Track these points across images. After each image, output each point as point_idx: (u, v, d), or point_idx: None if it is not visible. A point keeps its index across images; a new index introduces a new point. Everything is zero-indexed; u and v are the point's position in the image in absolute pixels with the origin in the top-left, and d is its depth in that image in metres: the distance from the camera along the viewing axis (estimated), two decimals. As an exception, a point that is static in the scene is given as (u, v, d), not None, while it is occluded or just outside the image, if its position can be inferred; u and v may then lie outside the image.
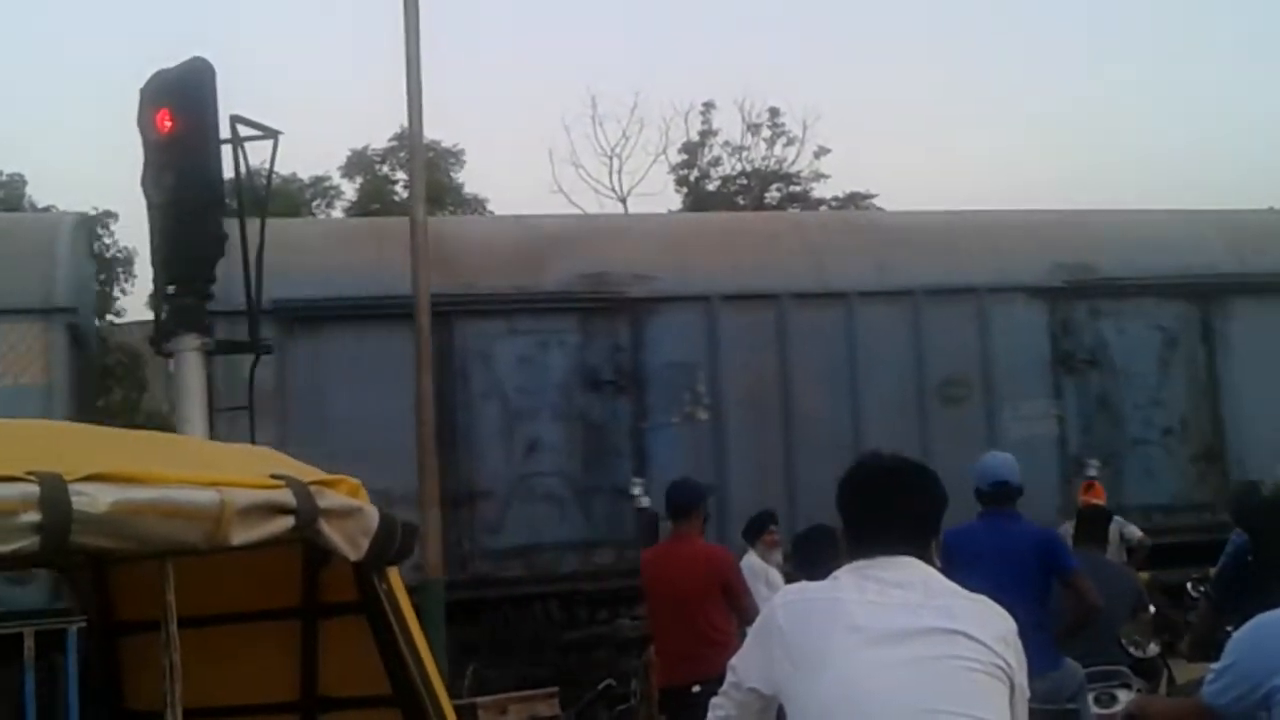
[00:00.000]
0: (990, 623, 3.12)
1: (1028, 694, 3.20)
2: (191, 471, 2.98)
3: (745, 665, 3.25)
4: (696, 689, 6.84)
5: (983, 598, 3.21)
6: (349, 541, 3.22)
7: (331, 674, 3.92)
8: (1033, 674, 3.26)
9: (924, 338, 13.09)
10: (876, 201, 35.50)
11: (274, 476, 3.14)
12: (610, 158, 36.68)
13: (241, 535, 2.93)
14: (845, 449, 12.04)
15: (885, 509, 3.27)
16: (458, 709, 3.54)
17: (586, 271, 12.63)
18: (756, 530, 9.70)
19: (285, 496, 3.06)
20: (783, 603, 3.27)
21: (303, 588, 3.86)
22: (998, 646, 3.07)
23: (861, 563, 3.22)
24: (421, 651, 3.38)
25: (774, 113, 37.08)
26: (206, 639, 3.64)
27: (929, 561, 3.26)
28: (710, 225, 15.89)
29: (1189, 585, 10.98)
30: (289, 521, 3.05)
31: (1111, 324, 13.75)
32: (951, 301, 13.28)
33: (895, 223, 16.26)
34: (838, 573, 3.26)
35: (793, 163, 37.55)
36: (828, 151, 37.08)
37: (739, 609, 7.42)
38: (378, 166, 36.00)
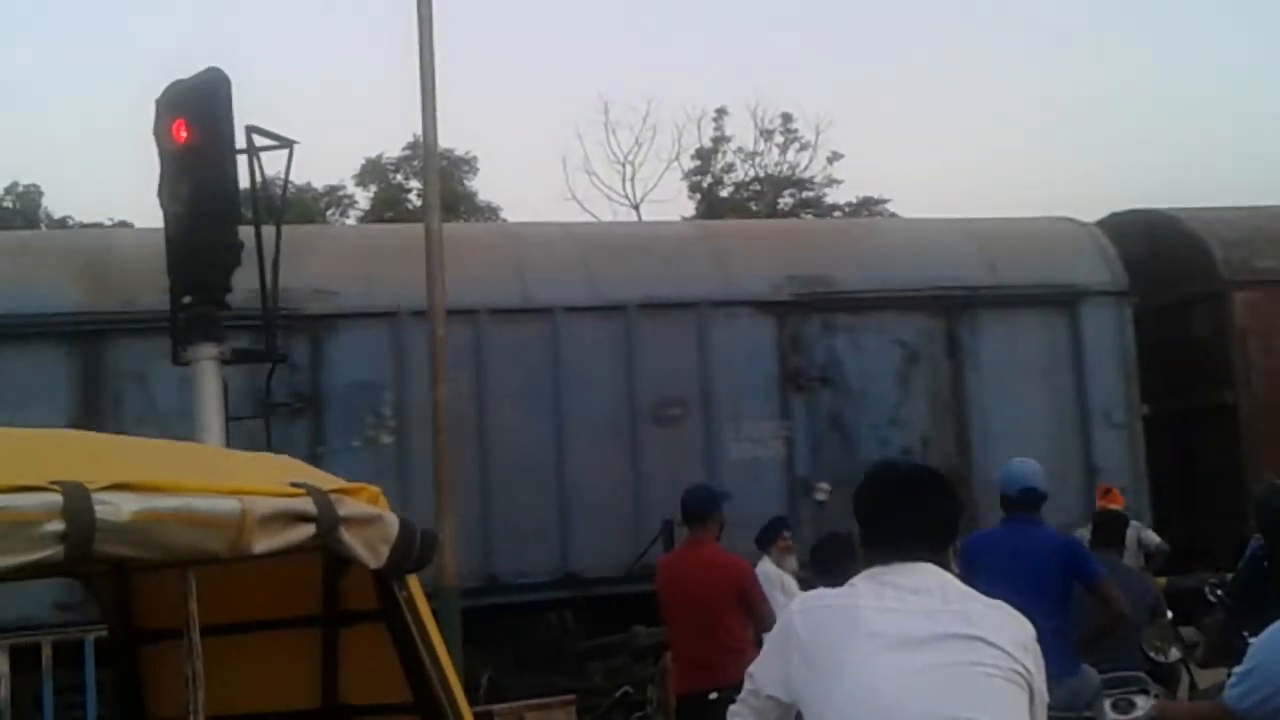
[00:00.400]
0: (1009, 628, 3.12)
1: (1047, 699, 3.20)
2: (212, 480, 2.99)
3: (763, 672, 3.26)
4: (713, 696, 6.85)
5: (1001, 603, 3.21)
6: (369, 549, 3.24)
7: (352, 681, 3.93)
8: (1051, 680, 3.26)
9: (637, 355, 12.25)
10: (890, 206, 35.54)
11: (294, 484, 3.16)
12: (623, 165, 36.78)
13: (263, 543, 2.94)
14: (546, 473, 11.81)
15: (901, 516, 3.28)
16: (475, 716, 3.55)
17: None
18: (770, 537, 9.68)
19: (306, 504, 3.08)
20: (800, 609, 3.27)
21: (323, 595, 3.88)
22: (1017, 652, 3.07)
23: (878, 569, 3.22)
24: (442, 659, 3.40)
25: (786, 118, 37.15)
26: (227, 647, 3.66)
27: (946, 567, 3.27)
28: (402, 237, 14.32)
29: (1206, 589, 10.93)
30: (310, 529, 3.06)
31: (847, 339, 12.97)
32: (669, 317, 12.49)
33: (610, 234, 15.57)
34: (855, 579, 3.26)
35: (806, 168, 37.62)
36: (841, 157, 37.14)
37: (756, 617, 7.41)
38: (392, 175, 36.16)
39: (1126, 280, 13.68)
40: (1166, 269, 14.47)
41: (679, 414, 12.31)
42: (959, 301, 13.26)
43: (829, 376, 12.82)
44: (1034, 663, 3.11)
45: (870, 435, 12.83)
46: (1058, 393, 13.34)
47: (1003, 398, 13.09)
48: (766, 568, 9.01)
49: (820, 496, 12.39)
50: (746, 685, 3.30)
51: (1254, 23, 54.42)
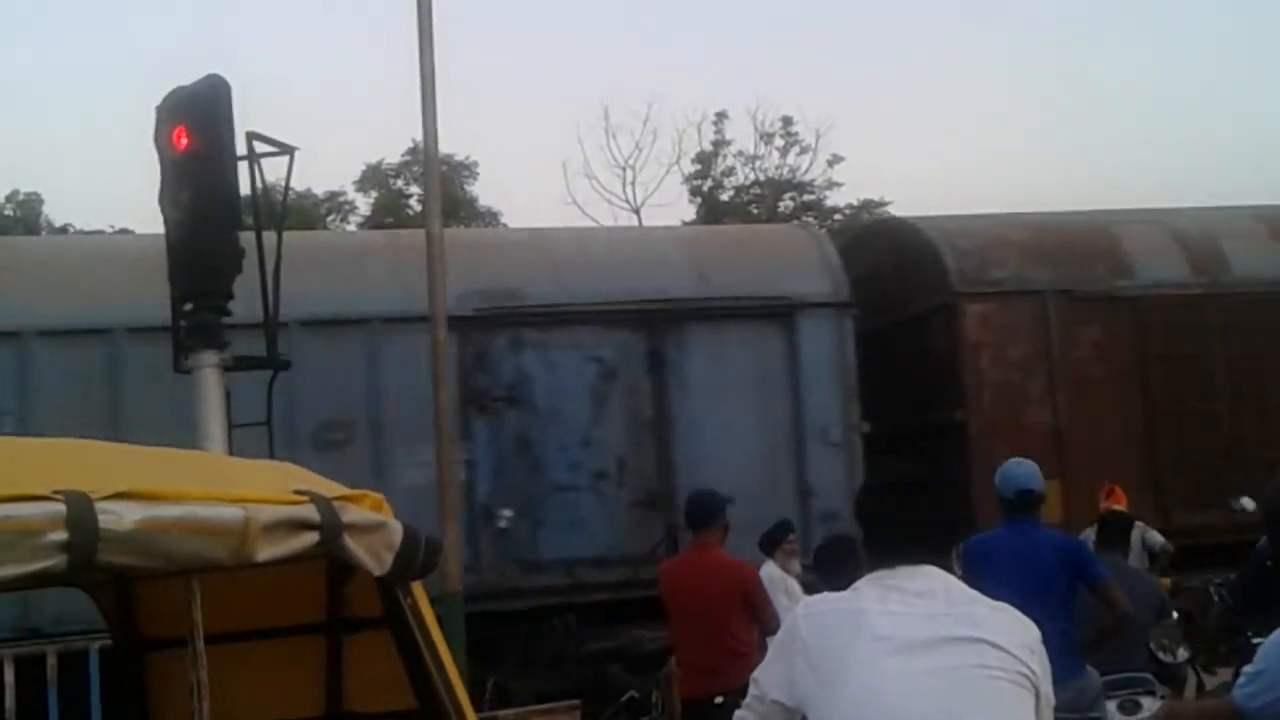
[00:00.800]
0: (1014, 630, 3.12)
1: (1053, 702, 3.20)
2: (216, 488, 2.99)
3: (768, 677, 3.24)
4: (719, 700, 6.84)
5: (1006, 605, 3.20)
6: (373, 556, 3.23)
7: (356, 689, 3.93)
8: (1056, 682, 3.26)
9: (298, 375, 10.76)
10: (891, 209, 35.55)
11: (297, 492, 3.15)
12: (624, 169, 36.76)
13: (267, 551, 2.94)
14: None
15: (904, 519, 3.28)
16: (480, 723, 3.55)
17: None
18: (775, 540, 9.67)
19: (309, 512, 3.07)
20: (805, 614, 3.26)
21: (327, 603, 3.88)
22: (1022, 654, 3.07)
23: (882, 573, 3.22)
24: (446, 665, 3.39)
25: (787, 121, 37.12)
26: (231, 655, 3.65)
27: (948, 570, 3.27)
28: (14, 250, 13.07)
29: (1211, 589, 10.92)
30: (313, 537, 3.06)
31: (538, 356, 12.16)
32: (334, 334, 11.63)
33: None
34: (859, 583, 3.26)
35: (806, 171, 37.63)
36: (841, 160, 37.15)
37: (760, 620, 7.40)
38: (392, 181, 36.19)
39: (848, 291, 12.96)
40: (910, 280, 14.08)
41: (343, 438, 11.53)
42: (663, 314, 12.50)
43: (516, 396, 12.09)
44: (1040, 665, 3.10)
45: (560, 457, 12.10)
46: (771, 410, 12.61)
47: (710, 415, 12.37)
48: (770, 571, 8.99)
49: (502, 524, 11.79)
50: (751, 690, 3.29)
51: (1256, 21, 54.31)
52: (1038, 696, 3.08)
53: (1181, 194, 49.04)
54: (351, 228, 34.76)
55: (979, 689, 3.00)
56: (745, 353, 12.66)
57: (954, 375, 13.44)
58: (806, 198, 37.68)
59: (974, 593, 3.25)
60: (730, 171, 38.03)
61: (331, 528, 3.09)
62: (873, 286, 13.54)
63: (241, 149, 8.65)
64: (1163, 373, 13.63)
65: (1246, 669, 4.20)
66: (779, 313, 12.74)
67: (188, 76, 8.42)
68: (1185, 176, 46.43)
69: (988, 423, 13.23)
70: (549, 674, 11.50)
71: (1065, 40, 53.35)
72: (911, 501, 3.34)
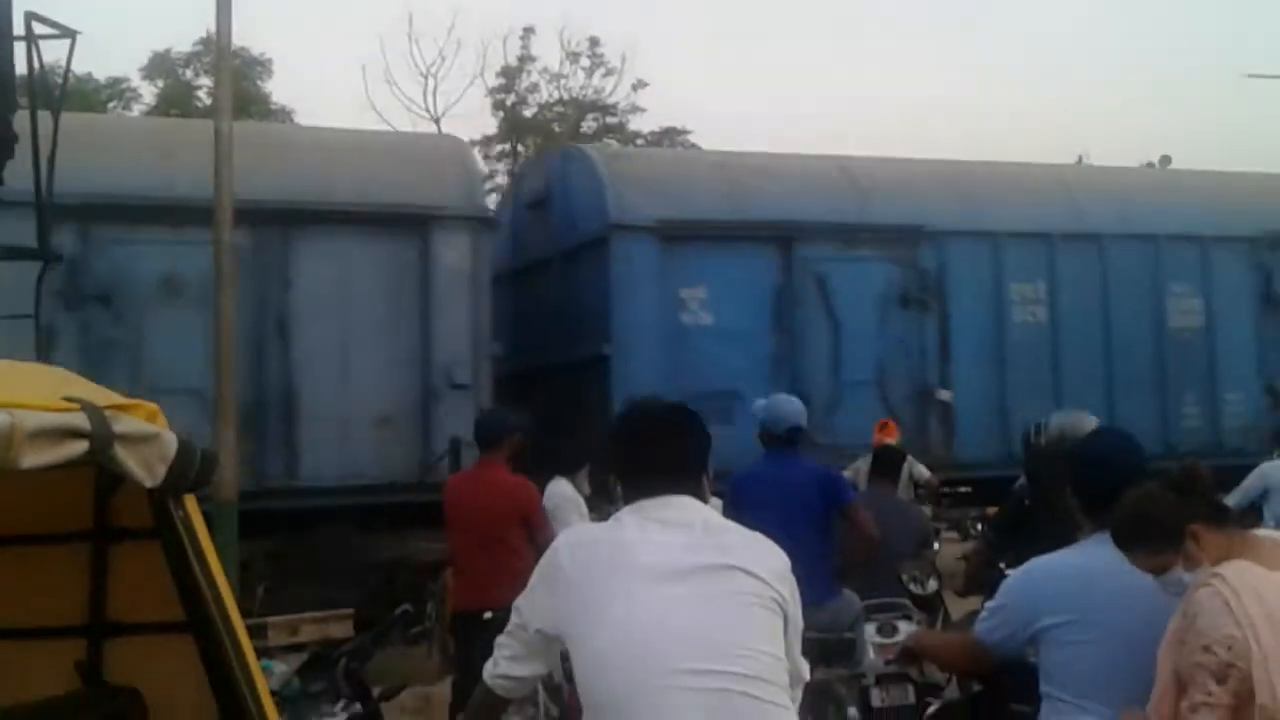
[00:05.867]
0: (766, 558, 3.25)
1: (801, 625, 3.35)
2: (-23, 390, 2.86)
3: (530, 606, 3.29)
4: (488, 616, 6.91)
5: (758, 535, 3.34)
6: (145, 468, 3.13)
7: (121, 599, 3.83)
8: (815, 603, 3.42)
9: None
10: (692, 138, 35.82)
11: (67, 399, 3.04)
12: (426, 77, 36.12)
13: (32, 459, 2.82)
14: None
15: (658, 451, 3.36)
16: (248, 629, 3.49)
17: None
18: (576, 460, 9.55)
19: (79, 420, 2.96)
20: (566, 544, 3.33)
21: (94, 512, 3.76)
22: (773, 580, 3.20)
23: (642, 503, 3.30)
24: (217, 577, 3.33)
25: (594, 42, 37.05)
26: (-11, 561, 3.53)
27: (701, 499, 3.37)
28: None
29: (968, 523, 11.44)
30: (83, 446, 2.95)
31: None
32: None
33: None
34: (619, 514, 3.34)
35: (610, 94, 37.61)
36: (646, 85, 37.25)
37: (538, 540, 7.48)
38: (180, 71, 34.79)
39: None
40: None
41: None
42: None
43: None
44: (789, 590, 3.25)
45: None
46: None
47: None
48: (564, 489, 8.86)
49: None
50: (513, 618, 3.33)
51: None
52: (786, 620, 3.23)
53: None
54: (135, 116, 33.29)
55: (733, 614, 3.12)
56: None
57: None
58: (610, 120, 37.70)
59: (729, 522, 3.39)
60: (535, 88, 37.78)
61: (102, 437, 2.99)
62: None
63: (20, 30, 8.22)
64: None
65: (988, 604, 4.43)
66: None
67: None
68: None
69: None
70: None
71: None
72: (665, 434, 3.43)
